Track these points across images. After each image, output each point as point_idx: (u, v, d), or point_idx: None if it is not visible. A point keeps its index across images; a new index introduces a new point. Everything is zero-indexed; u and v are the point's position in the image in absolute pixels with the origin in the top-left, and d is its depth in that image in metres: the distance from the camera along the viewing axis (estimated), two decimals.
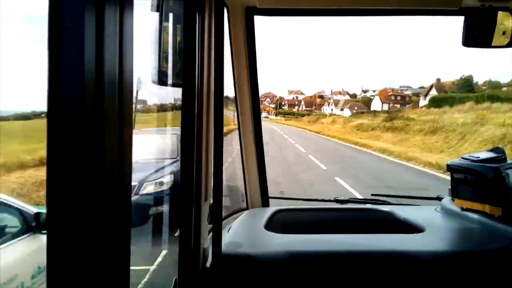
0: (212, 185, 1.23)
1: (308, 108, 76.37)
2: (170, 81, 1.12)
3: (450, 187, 1.81)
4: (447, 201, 1.86)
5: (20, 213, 2.27)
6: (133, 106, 0.64)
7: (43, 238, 2.25)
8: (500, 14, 1.53)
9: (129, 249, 0.63)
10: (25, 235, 2.24)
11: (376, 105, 56.29)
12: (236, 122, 1.99)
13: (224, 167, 1.22)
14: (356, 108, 56.64)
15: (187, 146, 1.09)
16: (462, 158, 1.75)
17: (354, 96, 73.91)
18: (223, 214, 1.36)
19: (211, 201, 1.27)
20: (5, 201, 2.33)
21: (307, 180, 10.04)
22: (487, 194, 1.59)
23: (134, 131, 0.62)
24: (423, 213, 1.84)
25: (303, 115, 62.58)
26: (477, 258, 1.40)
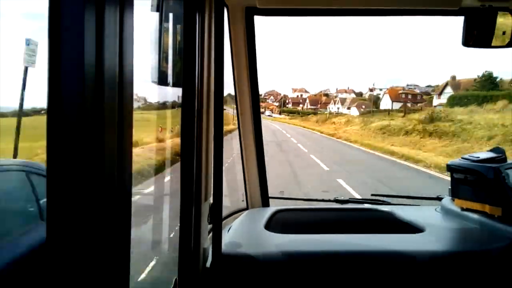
0: (212, 185, 1.23)
1: (313, 107, 74.79)
2: (170, 81, 1.12)
3: (450, 187, 1.82)
4: (447, 201, 1.86)
5: None
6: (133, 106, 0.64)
7: None
8: (500, 14, 1.53)
9: (129, 249, 0.63)
10: None
11: (385, 103, 53.75)
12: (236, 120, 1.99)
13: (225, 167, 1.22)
14: (363, 106, 54.85)
15: (187, 146, 1.09)
16: (462, 158, 1.75)
17: (360, 94, 72.66)
18: (223, 214, 1.36)
19: (211, 201, 1.27)
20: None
21: None
22: (487, 194, 1.59)
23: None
24: (423, 213, 1.84)
25: (308, 114, 59.99)
26: (477, 258, 1.40)
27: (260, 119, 1.96)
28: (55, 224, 0.50)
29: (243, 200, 2.08)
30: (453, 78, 44.65)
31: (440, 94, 43.53)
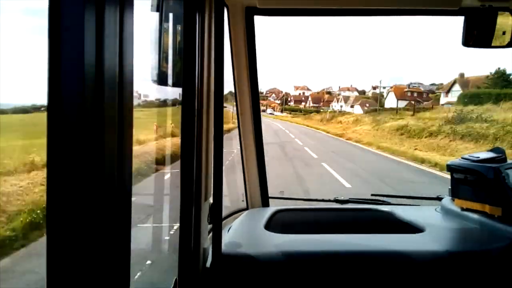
0: (212, 185, 1.23)
1: (315, 105, 73.00)
2: (170, 81, 1.12)
3: (450, 187, 1.82)
4: (447, 201, 1.86)
5: None
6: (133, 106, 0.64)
7: None
8: (500, 14, 1.53)
9: (129, 249, 0.63)
10: None
11: (390, 102, 51.47)
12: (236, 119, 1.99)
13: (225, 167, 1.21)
14: (367, 105, 53.29)
15: (187, 146, 1.09)
16: (462, 158, 1.75)
17: (363, 92, 71.37)
18: (223, 214, 1.36)
19: (211, 201, 1.27)
20: None
21: None
22: (487, 194, 1.59)
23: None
24: (423, 213, 1.84)
25: (310, 112, 58.95)
26: (477, 258, 1.40)
27: (260, 119, 1.96)
28: (55, 224, 0.50)
29: (243, 200, 2.08)
30: (462, 75, 42.21)
31: (447, 92, 41.69)
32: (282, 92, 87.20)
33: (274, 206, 2.02)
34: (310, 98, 78.01)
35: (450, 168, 1.76)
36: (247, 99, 1.89)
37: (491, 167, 1.58)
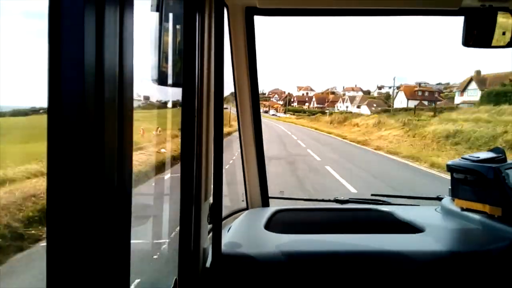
0: (212, 184, 1.23)
1: (319, 105, 70.80)
2: (170, 81, 1.12)
3: (450, 187, 1.82)
4: (447, 201, 1.86)
5: None
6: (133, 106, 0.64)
7: None
8: (500, 14, 1.53)
9: (129, 249, 0.63)
10: None
11: (400, 102, 49.56)
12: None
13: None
14: (374, 105, 51.43)
15: (187, 146, 1.09)
16: (462, 158, 1.75)
17: (368, 92, 69.79)
18: (223, 214, 1.36)
19: (211, 200, 1.27)
20: None
21: None
22: (487, 194, 1.59)
23: None
24: (423, 213, 1.84)
25: (315, 113, 55.18)
26: (477, 258, 1.40)
27: (260, 119, 1.96)
28: (55, 224, 0.50)
29: (243, 200, 2.08)
30: (478, 73, 38.39)
31: (463, 91, 38.69)
32: (284, 92, 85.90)
33: (274, 206, 2.02)
34: (314, 99, 75.78)
35: (450, 168, 1.76)
36: (247, 99, 1.89)
37: (491, 167, 1.58)
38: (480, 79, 37.13)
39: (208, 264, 1.31)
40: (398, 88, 60.14)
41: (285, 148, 17.83)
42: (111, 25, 0.53)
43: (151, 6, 1.02)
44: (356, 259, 1.38)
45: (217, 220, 1.21)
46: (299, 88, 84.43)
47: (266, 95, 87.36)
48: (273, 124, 40.69)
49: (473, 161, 1.67)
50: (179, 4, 1.07)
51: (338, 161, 13.60)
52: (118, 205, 0.58)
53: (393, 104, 50.61)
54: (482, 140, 14.65)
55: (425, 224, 1.63)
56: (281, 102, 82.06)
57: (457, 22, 1.63)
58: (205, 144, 1.21)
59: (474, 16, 1.55)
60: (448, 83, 58.54)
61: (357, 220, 1.89)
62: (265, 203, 2.04)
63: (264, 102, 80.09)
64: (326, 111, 57.87)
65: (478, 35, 1.56)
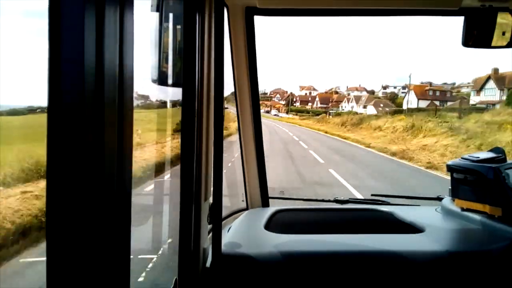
0: (212, 184, 1.23)
1: (323, 105, 69.27)
2: (170, 81, 1.12)
3: (450, 187, 1.82)
4: (447, 201, 1.86)
5: None
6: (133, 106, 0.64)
7: None
8: (500, 14, 1.53)
9: (129, 249, 0.63)
10: None
11: (409, 102, 46.61)
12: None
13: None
14: (381, 105, 49.69)
15: (187, 146, 1.10)
16: (462, 158, 1.75)
17: (372, 92, 68.48)
18: (223, 214, 1.36)
19: (211, 201, 1.27)
20: None
21: None
22: (487, 194, 1.59)
23: None
24: (423, 213, 1.84)
25: (318, 113, 54.91)
26: (477, 258, 1.40)
27: (260, 119, 1.96)
28: (55, 224, 0.50)
29: (243, 200, 2.08)
30: (496, 71, 35.80)
31: (479, 90, 36.34)
32: (287, 92, 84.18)
33: (274, 206, 2.02)
34: (317, 98, 74.21)
35: (450, 168, 1.76)
36: (247, 99, 1.89)
37: (491, 167, 1.58)
38: (498, 78, 34.61)
39: (208, 264, 1.31)
40: (404, 88, 58.53)
41: (295, 166, 12.25)
42: (111, 25, 0.53)
43: (151, 6, 1.02)
44: (356, 259, 1.38)
45: (217, 220, 1.21)
46: (302, 88, 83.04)
47: (268, 94, 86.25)
48: (275, 125, 35.78)
49: (473, 161, 1.67)
50: (179, 4, 1.07)
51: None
52: (118, 205, 0.58)
53: (395, 103, 49.33)
54: None
55: (425, 224, 1.63)
56: (283, 102, 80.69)
57: (461, 22, 1.62)
58: (205, 144, 1.21)
59: (474, 16, 1.55)
60: (454, 83, 57.82)
61: (357, 220, 1.89)
62: (265, 203, 2.04)
63: (266, 102, 78.99)
64: (331, 111, 56.53)
65: (478, 35, 1.56)
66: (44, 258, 0.50)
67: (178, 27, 1.07)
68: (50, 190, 0.49)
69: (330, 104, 68.51)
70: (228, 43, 1.77)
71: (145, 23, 0.97)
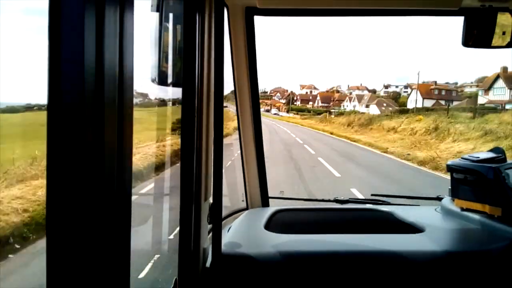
0: (212, 184, 1.23)
1: (324, 104, 68.06)
2: (170, 81, 1.12)
3: (450, 187, 1.82)
4: (447, 201, 1.86)
5: None
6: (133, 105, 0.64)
7: None
8: (500, 14, 1.53)
9: (129, 249, 0.63)
10: None
11: (414, 101, 45.44)
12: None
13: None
14: (385, 104, 48.09)
15: (187, 146, 1.10)
16: (462, 158, 1.75)
17: (374, 91, 67.25)
18: (223, 214, 1.36)
19: (211, 200, 1.27)
20: None
21: None
22: (487, 194, 1.59)
23: None
24: (423, 213, 1.84)
25: (319, 112, 53.15)
26: (477, 258, 1.40)
27: (260, 119, 1.96)
28: (55, 224, 0.50)
29: (242, 200, 2.08)
30: (505, 70, 34.16)
31: (488, 89, 35.00)
32: (287, 91, 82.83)
33: (274, 206, 2.02)
34: (319, 97, 72.54)
35: (450, 168, 1.76)
36: (247, 99, 1.89)
37: (491, 167, 1.58)
38: (507, 76, 33.00)
39: (208, 264, 1.31)
40: (406, 87, 57.51)
41: (302, 181, 9.71)
42: (111, 25, 0.53)
43: (151, 6, 1.02)
44: (356, 259, 1.38)
45: (217, 220, 1.21)
46: (302, 87, 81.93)
47: (268, 93, 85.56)
48: (275, 125, 33.47)
49: (473, 161, 1.67)
50: (179, 4, 1.07)
51: None
52: (118, 205, 0.58)
53: (398, 103, 48.22)
54: None
55: (425, 224, 1.63)
56: (283, 101, 79.66)
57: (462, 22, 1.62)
58: (205, 144, 1.21)
59: (474, 16, 1.55)
60: (456, 83, 57.18)
61: (357, 220, 1.89)
62: (265, 203, 2.04)
63: (266, 101, 77.84)
64: (333, 110, 55.36)
65: (478, 35, 1.56)
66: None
67: (178, 27, 1.07)
68: (50, 190, 0.49)
69: (332, 103, 67.44)
70: (228, 43, 1.77)
71: (145, 23, 0.97)
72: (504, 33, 1.55)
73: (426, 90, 47.91)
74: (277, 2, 1.71)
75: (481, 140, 15.02)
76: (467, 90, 49.18)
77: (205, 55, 1.16)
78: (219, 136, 1.19)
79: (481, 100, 35.48)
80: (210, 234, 1.33)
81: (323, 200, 2.14)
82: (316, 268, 1.35)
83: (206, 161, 1.23)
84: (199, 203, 1.20)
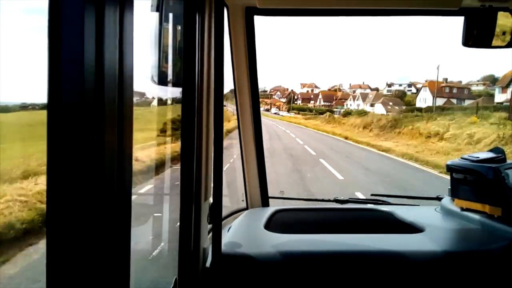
0: (212, 184, 1.23)
1: (326, 103, 65.72)
2: (170, 81, 1.12)
3: (449, 187, 1.82)
4: (447, 201, 1.86)
5: None
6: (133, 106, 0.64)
7: None
8: (500, 14, 1.53)
9: (129, 249, 0.63)
10: None
11: (424, 100, 44.14)
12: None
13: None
14: (391, 103, 45.74)
15: (187, 146, 1.10)
16: (462, 158, 1.75)
17: (376, 90, 65.58)
18: (223, 214, 1.36)
19: (211, 200, 1.27)
20: None
21: None
22: (487, 194, 1.60)
23: None
24: (423, 213, 1.84)
25: (322, 112, 49.41)
26: (477, 258, 1.40)
27: (260, 119, 1.96)
28: (55, 224, 0.50)
29: (242, 200, 2.08)
30: None
31: (505, 87, 33.95)
32: (287, 89, 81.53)
33: (274, 206, 2.02)
34: (320, 96, 69.96)
35: (450, 168, 1.76)
36: (247, 99, 1.89)
37: (491, 167, 1.58)
38: None
39: (208, 264, 1.31)
40: (409, 85, 56.45)
41: None
42: (111, 25, 0.53)
43: (151, 6, 1.02)
44: (356, 259, 1.38)
45: (217, 220, 1.21)
46: (303, 85, 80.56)
47: (268, 92, 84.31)
48: (275, 125, 29.01)
49: (473, 161, 1.67)
50: (179, 4, 1.07)
51: None
52: (118, 205, 0.58)
53: (404, 102, 46.59)
54: None
55: (425, 224, 1.63)
56: (283, 100, 78.18)
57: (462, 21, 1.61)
58: (205, 144, 1.21)
59: (474, 16, 1.55)
60: (460, 81, 56.42)
61: (357, 220, 1.89)
62: (265, 203, 2.04)
63: (266, 100, 77.10)
64: (335, 109, 53.73)
65: (478, 35, 1.56)
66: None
67: (178, 27, 1.07)
68: (50, 190, 0.49)
69: (334, 102, 65.82)
70: (228, 43, 1.77)
71: (145, 23, 0.97)
72: (504, 33, 1.55)
73: (437, 88, 44.06)
74: (277, 2, 1.71)
75: None
76: (474, 88, 48.38)
77: (205, 55, 1.16)
78: (219, 136, 1.19)
79: (498, 98, 33.96)
80: (210, 234, 1.33)
81: (323, 200, 2.13)
82: (316, 268, 1.35)
83: (206, 161, 1.23)
84: (199, 203, 1.20)
